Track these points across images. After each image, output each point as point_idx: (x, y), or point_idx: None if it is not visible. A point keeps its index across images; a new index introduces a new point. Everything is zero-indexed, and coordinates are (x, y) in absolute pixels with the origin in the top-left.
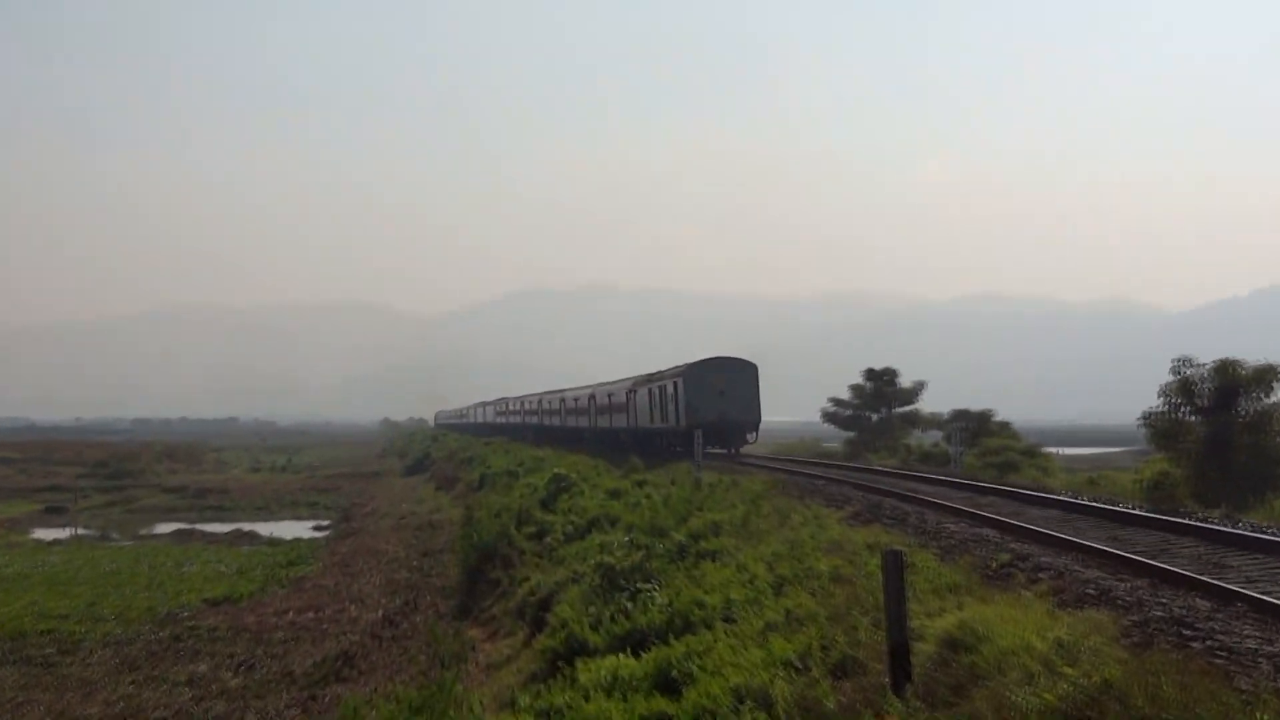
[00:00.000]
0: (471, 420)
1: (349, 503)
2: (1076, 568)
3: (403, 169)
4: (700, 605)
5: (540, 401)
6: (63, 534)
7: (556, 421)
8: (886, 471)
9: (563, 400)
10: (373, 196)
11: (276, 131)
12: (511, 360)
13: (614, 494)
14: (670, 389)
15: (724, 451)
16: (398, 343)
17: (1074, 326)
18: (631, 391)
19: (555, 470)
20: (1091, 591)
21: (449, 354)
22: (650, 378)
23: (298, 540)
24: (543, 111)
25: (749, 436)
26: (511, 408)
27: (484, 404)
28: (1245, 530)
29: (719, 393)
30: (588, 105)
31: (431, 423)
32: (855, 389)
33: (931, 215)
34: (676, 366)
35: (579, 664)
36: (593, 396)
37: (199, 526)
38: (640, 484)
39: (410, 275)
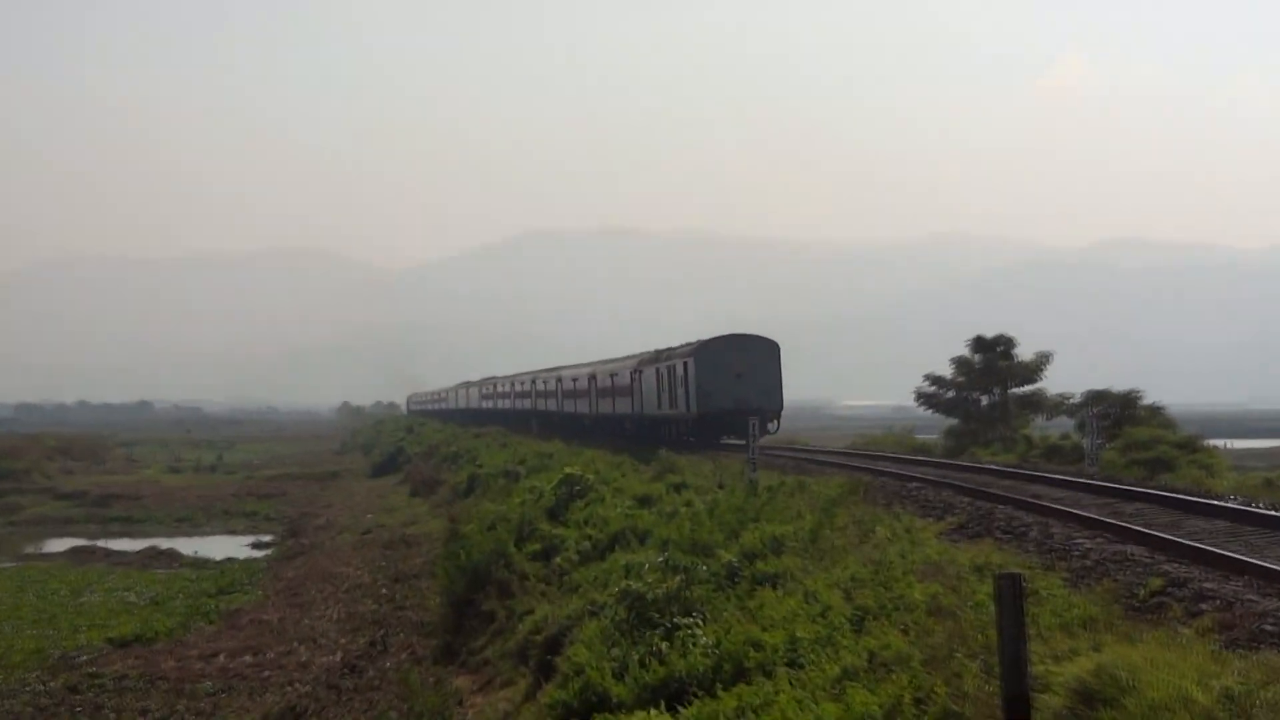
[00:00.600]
0: (452, 405)
1: (298, 513)
2: (1251, 596)
3: (369, 74)
4: (757, 646)
5: (534, 382)
6: None
7: (553, 406)
8: (1000, 471)
9: (559, 380)
10: (328, 115)
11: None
12: (510, 329)
13: (643, 501)
14: (680, 370)
15: (742, 443)
16: (360, 304)
17: (1248, 283)
18: (637, 372)
19: (566, 470)
20: (1270, 628)
21: (426, 319)
22: (659, 355)
23: (230, 561)
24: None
25: (770, 426)
26: (501, 389)
27: (468, 385)
28: None
29: (736, 375)
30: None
31: (404, 408)
32: (959, 363)
33: (1056, 134)
34: (687, 344)
35: None
36: (593, 377)
37: (102, 543)
38: (677, 488)
39: (377, 217)
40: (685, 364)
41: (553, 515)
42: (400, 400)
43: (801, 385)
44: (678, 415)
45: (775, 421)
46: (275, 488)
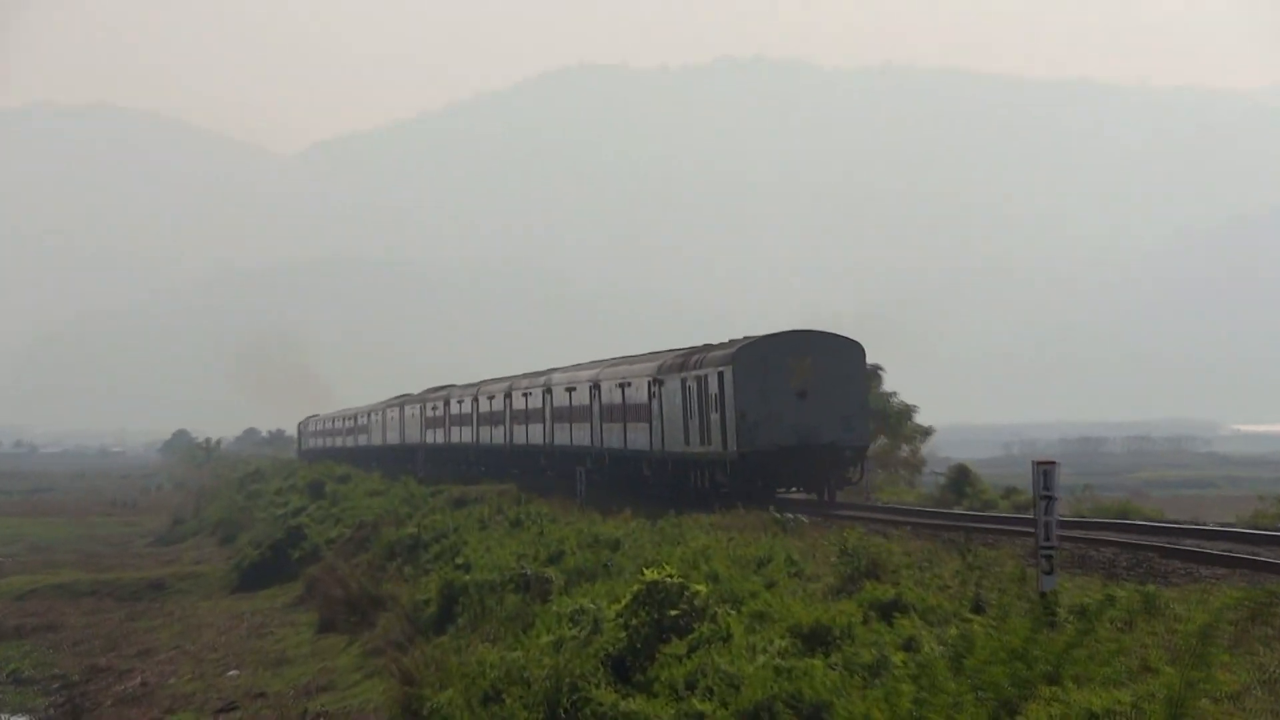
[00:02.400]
0: (377, 437)
1: (83, 666)
2: None
3: None
4: None
5: (508, 396)
6: None
7: (534, 435)
8: None
9: (546, 391)
10: None
11: None
12: (514, 278)
13: (811, 638)
14: (713, 383)
15: (808, 497)
16: (222, 227)
17: None
18: (656, 382)
19: (649, 573)
20: None
21: (349, 252)
22: (688, 356)
23: None
24: None
25: (849, 473)
26: (458, 409)
27: (403, 402)
28: None
29: (797, 394)
30: None
31: (296, 443)
32: None
33: None
34: (724, 344)
35: None
36: (596, 386)
37: None
38: (884, 610)
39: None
40: (719, 375)
41: (622, 671)
42: (290, 425)
43: (1174, 396)
44: (709, 455)
45: (857, 466)
46: (35, 613)
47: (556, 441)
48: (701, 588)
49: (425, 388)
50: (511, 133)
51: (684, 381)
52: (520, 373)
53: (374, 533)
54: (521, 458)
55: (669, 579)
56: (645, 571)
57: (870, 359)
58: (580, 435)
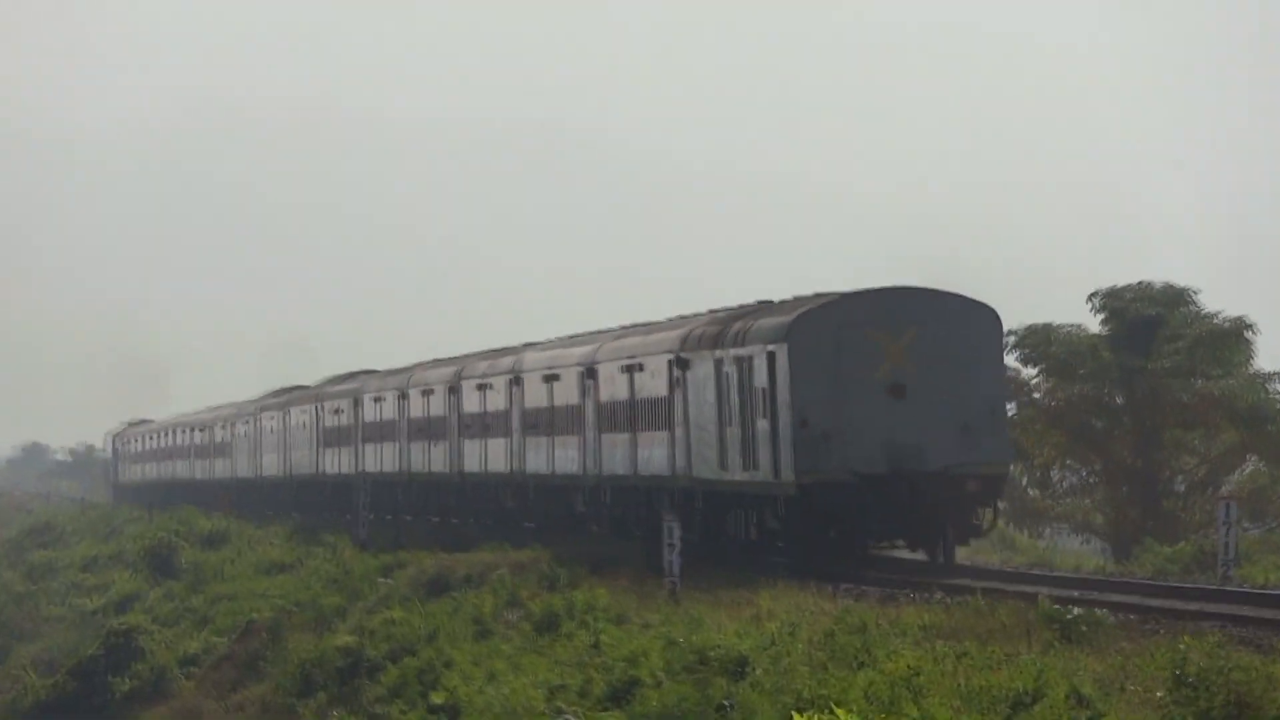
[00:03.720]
0: (239, 464)
1: None
2: None
3: None
4: None
5: (453, 389)
6: None
7: (495, 451)
8: None
9: (515, 382)
10: None
11: None
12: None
13: None
14: (759, 370)
15: (920, 558)
16: None
17: None
18: (680, 363)
19: None
20: None
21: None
22: (726, 325)
23: None
24: None
25: (979, 514)
26: (375, 413)
27: (286, 402)
28: None
29: (890, 391)
30: None
31: (109, 470)
32: None
33: None
34: (780, 305)
35: None
36: (593, 371)
37: None
38: None
39: None
40: (769, 357)
41: None
42: (97, 438)
43: None
44: (755, 485)
45: (994, 503)
46: None
47: (529, 468)
48: None
49: (326, 377)
50: None
51: (719, 364)
52: (477, 350)
53: (273, 645)
54: (480, 497)
55: None
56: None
57: None
58: (567, 456)
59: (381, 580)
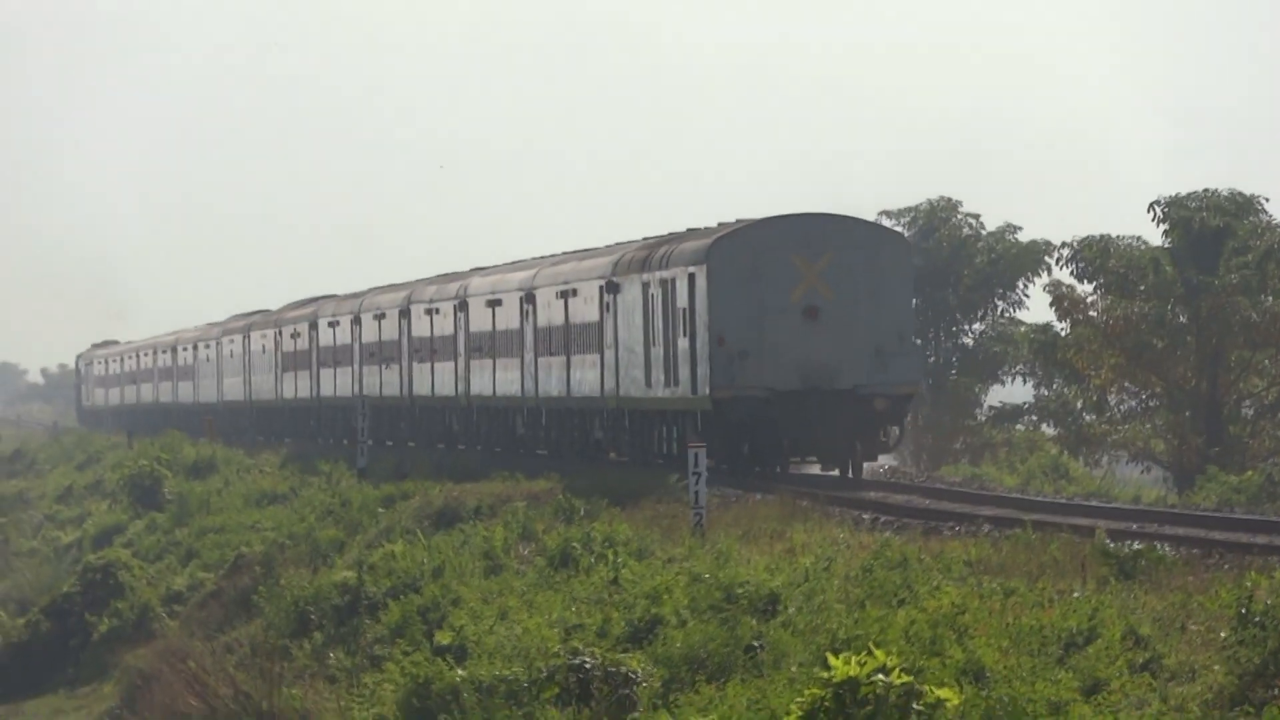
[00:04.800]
0: (201, 388)
1: None
2: None
3: None
4: None
5: (404, 313)
6: None
7: (439, 387)
8: None
9: (462, 308)
10: None
11: None
12: None
13: None
14: (681, 291)
15: (828, 472)
16: None
17: None
18: (611, 287)
19: (835, 664)
20: None
21: None
22: (653, 249)
23: None
24: None
25: (888, 432)
26: (330, 337)
27: (246, 326)
28: None
29: (804, 312)
30: None
31: (79, 393)
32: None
33: None
34: (702, 231)
35: None
36: (531, 296)
37: None
38: None
39: None
40: (690, 279)
41: None
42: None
43: None
44: (675, 401)
45: (899, 421)
46: None
47: (474, 389)
48: (950, 695)
49: (287, 302)
50: None
51: (645, 287)
52: (427, 277)
53: (265, 581)
54: (429, 421)
55: (882, 675)
56: (833, 661)
57: None
58: (508, 379)
59: (381, 511)
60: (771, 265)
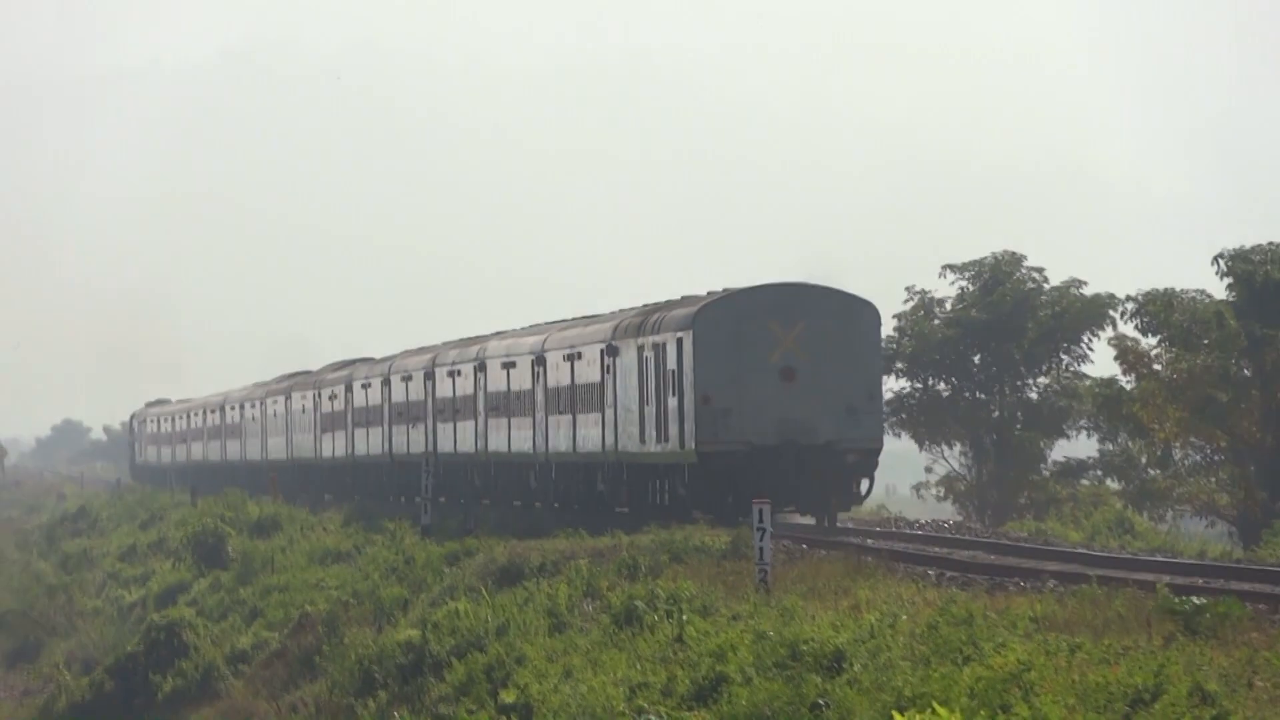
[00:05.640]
0: (248, 446)
1: None
2: None
3: None
4: None
5: (429, 375)
6: None
7: (465, 435)
8: None
9: (481, 369)
10: None
11: None
12: None
13: None
14: (670, 354)
15: (805, 520)
16: None
17: None
18: (610, 350)
19: None
20: None
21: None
22: (647, 316)
23: None
24: None
25: (859, 484)
26: (364, 398)
27: (289, 387)
28: None
29: (781, 373)
30: None
31: (131, 450)
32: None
33: None
34: (690, 300)
35: None
36: (541, 359)
37: None
38: None
39: None
40: (678, 343)
41: None
42: (115, 415)
43: None
44: (666, 455)
45: (868, 475)
46: None
47: (492, 447)
48: None
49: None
50: None
51: (640, 350)
52: (450, 340)
53: (330, 640)
54: (453, 477)
55: None
56: (898, 719)
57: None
58: (522, 436)
59: (446, 569)
60: (751, 330)
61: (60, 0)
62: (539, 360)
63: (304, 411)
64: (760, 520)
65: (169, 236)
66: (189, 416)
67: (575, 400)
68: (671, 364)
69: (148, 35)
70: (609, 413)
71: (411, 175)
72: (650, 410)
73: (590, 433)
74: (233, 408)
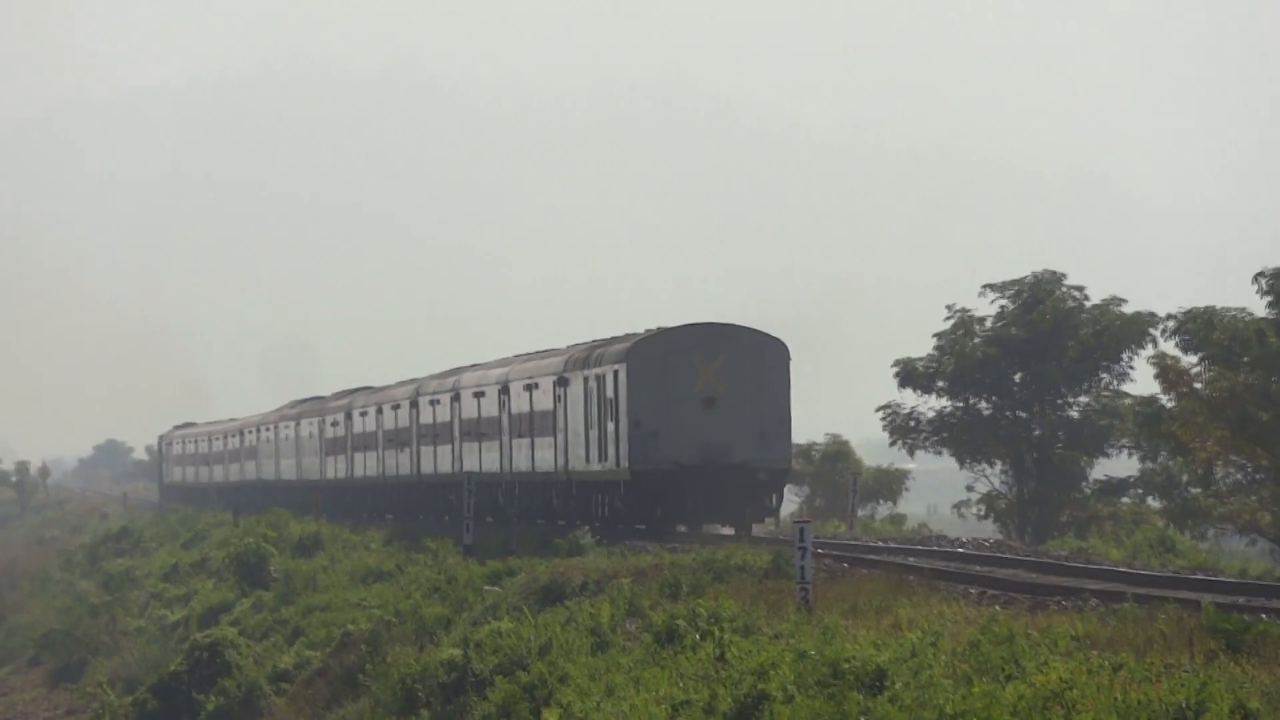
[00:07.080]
0: (264, 467)
1: None
2: None
3: None
4: None
5: (414, 404)
6: None
7: (442, 458)
8: None
9: (456, 399)
10: None
11: None
12: None
13: None
14: (609, 385)
15: (727, 531)
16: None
17: None
18: (561, 381)
19: None
20: None
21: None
22: (591, 350)
23: None
24: None
25: (769, 499)
26: (361, 424)
27: (299, 414)
28: None
29: (703, 402)
30: None
31: (160, 471)
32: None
33: None
34: (625, 337)
35: None
36: (505, 389)
37: None
38: None
39: None
40: (615, 375)
41: None
42: (144, 437)
43: None
44: (605, 473)
45: (777, 492)
46: None
47: (467, 467)
48: None
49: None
50: None
51: (586, 381)
52: (431, 373)
53: (372, 658)
54: (432, 495)
55: None
56: None
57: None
58: (491, 458)
59: (488, 589)
60: (678, 364)
61: (91, 22)
62: (504, 390)
63: (310, 436)
64: (801, 539)
65: (194, 261)
66: (210, 440)
67: (534, 425)
68: (610, 393)
69: (178, 55)
70: (560, 436)
71: (416, 203)
72: (594, 434)
73: (545, 454)
74: (250, 431)
